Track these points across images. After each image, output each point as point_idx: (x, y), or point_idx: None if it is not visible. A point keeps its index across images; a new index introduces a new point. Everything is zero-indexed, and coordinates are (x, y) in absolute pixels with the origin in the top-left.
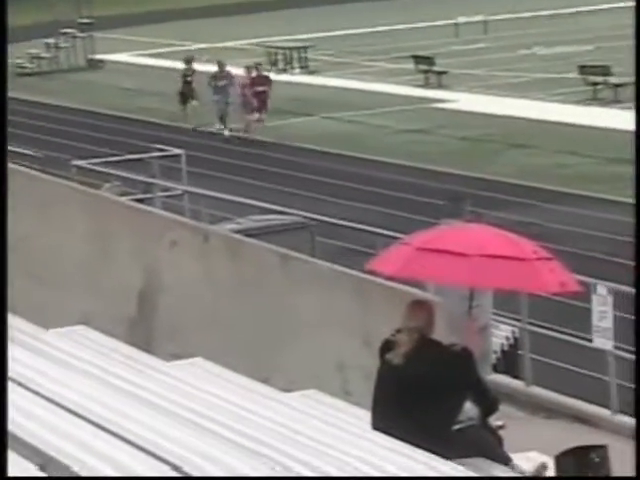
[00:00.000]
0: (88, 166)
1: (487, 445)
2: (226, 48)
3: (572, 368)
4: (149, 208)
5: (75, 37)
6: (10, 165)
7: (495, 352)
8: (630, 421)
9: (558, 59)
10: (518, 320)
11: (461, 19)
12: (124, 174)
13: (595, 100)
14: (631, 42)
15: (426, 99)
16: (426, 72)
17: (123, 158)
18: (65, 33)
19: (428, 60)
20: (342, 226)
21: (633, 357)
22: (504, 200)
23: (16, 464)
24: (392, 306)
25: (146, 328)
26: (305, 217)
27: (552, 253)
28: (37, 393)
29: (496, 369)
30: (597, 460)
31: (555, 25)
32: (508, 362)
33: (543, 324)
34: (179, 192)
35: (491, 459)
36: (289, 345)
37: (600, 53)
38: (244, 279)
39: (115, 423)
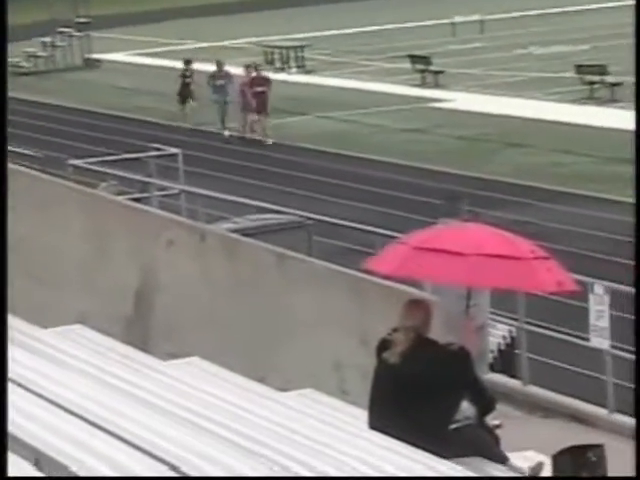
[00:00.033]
0: (85, 165)
1: (484, 444)
2: (223, 47)
3: (569, 367)
4: (146, 207)
5: (72, 36)
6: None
7: (492, 351)
8: (627, 420)
9: (554, 58)
10: (515, 319)
11: (458, 18)
12: (121, 173)
13: (591, 99)
14: (627, 41)
15: (423, 98)
16: (423, 71)
17: (120, 157)
18: (62, 32)
19: (425, 59)
20: (339, 225)
21: (630, 356)
22: (501, 199)
23: (13, 463)
24: (389, 305)
25: (143, 327)
26: (302, 216)
27: (549, 252)
28: (33, 392)
29: (493, 368)
30: (594, 459)
31: (551, 24)
32: (505, 361)
33: (540, 323)
34: (176, 191)
35: (488, 458)
36: (286, 344)
37: (596, 52)
38: (241, 278)
39: (112, 422)
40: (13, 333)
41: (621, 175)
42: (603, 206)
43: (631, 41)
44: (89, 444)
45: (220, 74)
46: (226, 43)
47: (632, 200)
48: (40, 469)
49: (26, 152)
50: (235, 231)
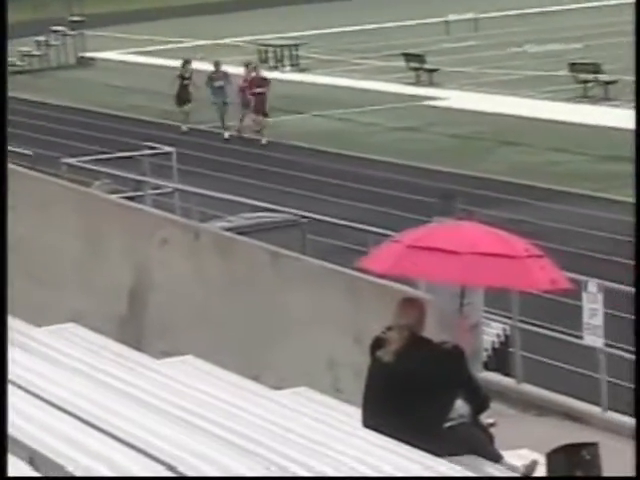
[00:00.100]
0: (78, 164)
1: (478, 443)
2: (217, 46)
3: (563, 365)
4: (140, 206)
5: (66, 35)
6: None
7: (486, 350)
8: (621, 418)
9: (548, 57)
10: (509, 318)
11: (452, 17)
12: (115, 172)
13: (585, 98)
14: (619, 39)
15: (417, 97)
16: (417, 70)
17: (113, 156)
18: (56, 31)
19: (419, 58)
20: (333, 224)
21: (623, 354)
22: (495, 198)
23: (8, 462)
24: (383, 304)
25: (137, 326)
26: (296, 215)
27: (543, 251)
28: (27, 391)
29: (487, 367)
30: (588, 457)
31: (544, 23)
32: (499, 360)
33: (534, 322)
34: (170, 190)
35: (482, 457)
36: (280, 343)
37: (589, 51)
38: (235, 277)
39: (105, 421)
40: (11, 333)
41: (616, 173)
42: (598, 205)
43: (624, 39)
44: (83, 443)
45: (218, 75)
46: (220, 42)
47: (627, 199)
48: (36, 468)
49: (17, 150)
50: (229, 230)
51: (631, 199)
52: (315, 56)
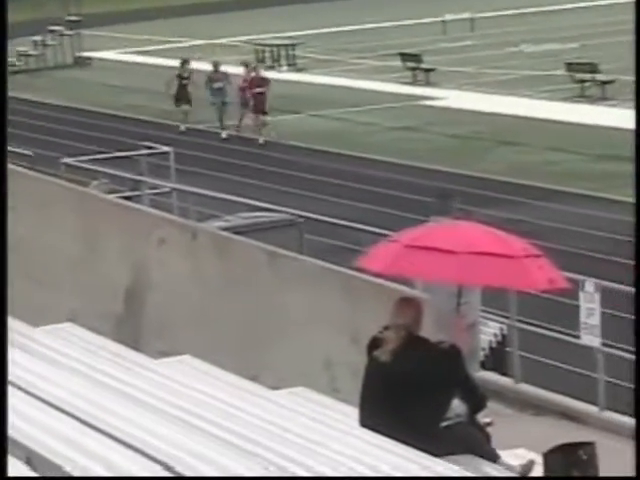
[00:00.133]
0: (76, 164)
1: (475, 442)
2: (214, 45)
3: (560, 365)
4: (137, 206)
5: (63, 35)
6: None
7: (483, 349)
8: (618, 418)
9: (545, 56)
10: (506, 317)
11: (448, 16)
12: (112, 172)
13: (582, 97)
14: (616, 39)
15: (414, 96)
16: (414, 69)
17: (111, 155)
18: (53, 31)
19: (416, 57)
20: (330, 223)
21: (620, 353)
22: (493, 197)
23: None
24: (380, 303)
25: (134, 325)
26: (293, 214)
27: (541, 250)
28: (24, 390)
29: (484, 366)
30: (585, 457)
31: (541, 22)
32: (496, 359)
33: (531, 321)
34: (167, 190)
35: (479, 456)
36: (277, 343)
37: (586, 50)
38: (232, 276)
39: (103, 420)
40: (9, 334)
41: (613, 173)
42: (595, 204)
43: (621, 39)
44: (81, 442)
45: (217, 75)
46: (217, 41)
47: (625, 198)
48: (33, 468)
49: (16, 150)
50: (226, 229)
51: (629, 199)
52: (312, 56)
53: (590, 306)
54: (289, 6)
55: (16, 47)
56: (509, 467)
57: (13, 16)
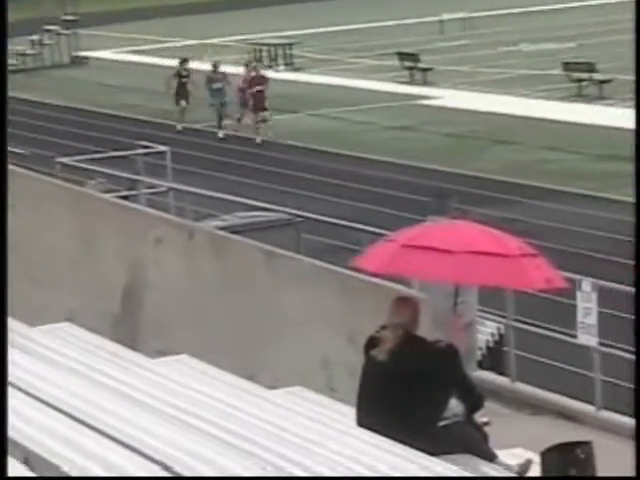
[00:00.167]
0: (73, 163)
1: (472, 441)
2: (211, 45)
3: (557, 364)
4: (134, 205)
5: (59, 34)
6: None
7: (480, 348)
8: (615, 417)
9: (542, 56)
10: (503, 317)
11: (445, 16)
12: (109, 171)
13: (579, 97)
14: (613, 38)
15: (411, 96)
16: (411, 69)
17: (108, 155)
18: (49, 30)
19: (413, 57)
20: (327, 223)
21: (617, 353)
22: (489, 197)
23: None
24: (377, 303)
25: (131, 325)
26: (290, 214)
27: (537, 249)
28: (22, 390)
29: (481, 365)
30: (582, 456)
31: (538, 22)
32: (493, 359)
33: (528, 320)
34: (164, 189)
35: (476, 455)
36: (274, 342)
37: (583, 50)
38: (229, 276)
39: (100, 420)
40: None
41: (610, 172)
42: (592, 204)
43: (618, 38)
44: (79, 442)
45: (217, 76)
46: (214, 41)
47: (622, 198)
48: (31, 469)
49: (11, 149)
50: (223, 229)
51: (626, 198)
52: (309, 55)
53: (587, 305)
54: (286, 5)
55: (13, 46)
56: (506, 467)
57: (10, 15)
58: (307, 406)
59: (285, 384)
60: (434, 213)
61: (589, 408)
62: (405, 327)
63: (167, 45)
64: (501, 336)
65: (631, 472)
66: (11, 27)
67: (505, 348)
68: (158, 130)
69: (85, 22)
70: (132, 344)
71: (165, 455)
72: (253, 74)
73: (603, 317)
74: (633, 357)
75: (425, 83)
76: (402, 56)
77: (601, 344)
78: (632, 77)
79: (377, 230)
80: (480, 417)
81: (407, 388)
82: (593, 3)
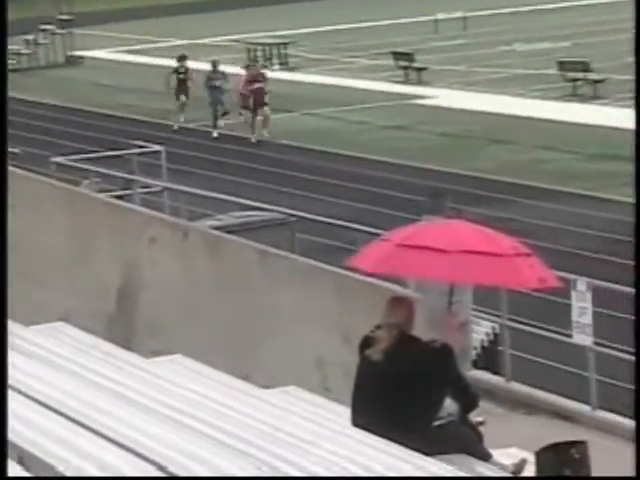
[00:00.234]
0: (67, 163)
1: (467, 441)
2: (206, 45)
3: (552, 364)
4: (128, 205)
5: (54, 34)
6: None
7: (475, 348)
8: (610, 417)
9: (537, 55)
10: (498, 316)
11: (440, 15)
12: (103, 170)
13: (574, 96)
14: (607, 38)
15: (406, 95)
16: (406, 68)
17: (102, 154)
18: (44, 30)
19: (408, 56)
20: (322, 222)
21: (612, 352)
22: (484, 196)
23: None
24: (372, 302)
25: (126, 325)
26: (285, 213)
27: (532, 249)
28: (16, 390)
29: (476, 365)
30: (577, 456)
31: (533, 21)
32: (488, 358)
33: (523, 320)
34: (159, 189)
35: (471, 455)
36: (269, 342)
37: (578, 49)
38: (224, 275)
39: (95, 420)
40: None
41: (605, 172)
42: (588, 203)
43: (613, 37)
44: (73, 442)
45: (216, 75)
46: (209, 41)
47: (617, 197)
48: (26, 468)
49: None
50: (218, 228)
51: (621, 197)
52: (304, 55)
53: (582, 305)
54: (281, 5)
55: (8, 46)
56: (501, 466)
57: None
58: (302, 406)
59: (280, 384)
60: (429, 212)
61: (584, 408)
62: (400, 327)
63: (162, 45)
64: (496, 335)
65: (631, 472)
66: None
67: (500, 347)
68: (154, 130)
69: (80, 22)
70: (126, 344)
71: (160, 455)
72: (254, 73)
73: (598, 316)
74: (628, 357)
75: (420, 82)
76: (397, 56)
77: (596, 344)
78: (627, 76)
79: (372, 230)
80: (475, 417)
81: (402, 388)
82: (587, 3)
